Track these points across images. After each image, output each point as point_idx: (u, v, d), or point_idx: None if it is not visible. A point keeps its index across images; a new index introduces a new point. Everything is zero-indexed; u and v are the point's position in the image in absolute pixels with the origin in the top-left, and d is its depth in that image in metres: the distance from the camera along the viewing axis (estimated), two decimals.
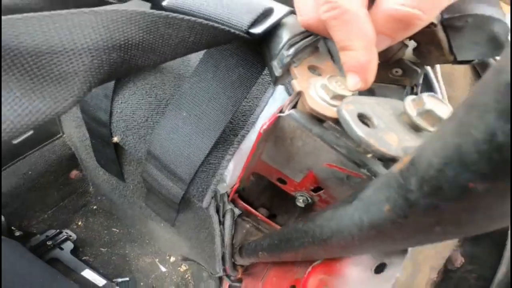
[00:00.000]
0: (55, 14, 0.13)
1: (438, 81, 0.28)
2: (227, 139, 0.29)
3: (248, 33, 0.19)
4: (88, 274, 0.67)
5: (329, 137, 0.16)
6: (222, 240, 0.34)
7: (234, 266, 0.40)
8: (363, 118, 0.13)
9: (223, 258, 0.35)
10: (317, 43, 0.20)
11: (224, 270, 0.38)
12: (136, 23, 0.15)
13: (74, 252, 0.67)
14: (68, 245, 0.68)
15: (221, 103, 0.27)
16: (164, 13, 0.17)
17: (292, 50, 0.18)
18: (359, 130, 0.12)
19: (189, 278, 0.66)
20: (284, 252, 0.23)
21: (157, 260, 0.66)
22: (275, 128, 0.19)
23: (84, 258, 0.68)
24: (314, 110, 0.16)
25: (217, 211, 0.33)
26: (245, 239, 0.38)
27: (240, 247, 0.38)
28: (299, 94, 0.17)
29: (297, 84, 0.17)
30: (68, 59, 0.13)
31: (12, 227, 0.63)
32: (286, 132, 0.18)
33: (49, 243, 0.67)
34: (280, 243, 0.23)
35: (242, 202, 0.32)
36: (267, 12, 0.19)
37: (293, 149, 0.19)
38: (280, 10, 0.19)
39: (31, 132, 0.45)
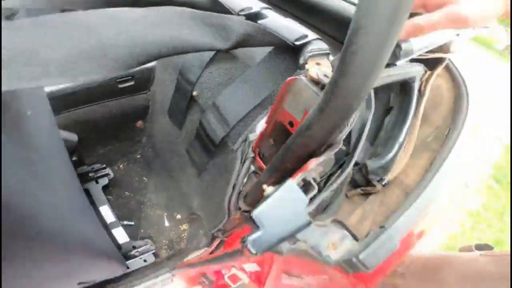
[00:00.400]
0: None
1: (420, 98, 0.44)
2: (265, 104, 0.48)
3: (293, 43, 0.41)
4: (104, 210, 0.81)
5: (315, 88, 0.35)
6: (238, 175, 0.49)
7: (236, 206, 0.54)
8: (325, 76, 0.32)
9: (233, 188, 0.50)
10: (328, 53, 0.41)
11: (229, 206, 0.51)
12: (252, 27, 0.37)
13: (103, 188, 0.82)
14: (103, 181, 0.83)
15: (267, 83, 0.47)
16: (262, 25, 0.39)
17: (309, 54, 0.38)
18: (319, 78, 0.31)
19: (185, 237, 0.77)
20: (277, 163, 0.39)
21: (165, 214, 0.79)
22: (294, 85, 0.38)
23: (109, 196, 0.83)
24: (310, 76, 0.35)
25: (241, 156, 0.49)
26: None
27: (245, 195, 0.53)
28: (307, 70, 0.37)
29: (307, 66, 0.37)
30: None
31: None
32: (298, 87, 0.37)
33: (90, 174, 0.84)
34: (274, 162, 0.40)
35: (259, 160, 0.49)
36: (304, 36, 0.41)
37: (301, 98, 0.38)
38: (311, 35, 0.41)
39: (132, 82, 0.68)
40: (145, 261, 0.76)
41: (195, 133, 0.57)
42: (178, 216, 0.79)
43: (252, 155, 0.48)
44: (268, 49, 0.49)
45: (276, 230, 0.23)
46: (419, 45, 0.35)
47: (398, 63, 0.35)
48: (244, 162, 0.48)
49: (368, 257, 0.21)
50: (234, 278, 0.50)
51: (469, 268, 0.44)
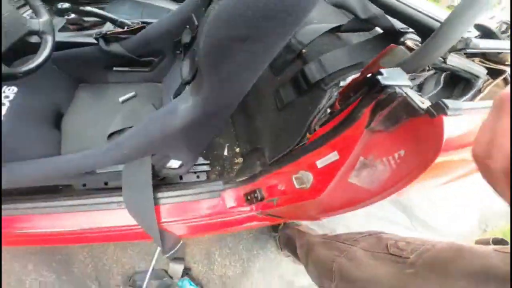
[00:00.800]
0: None
1: (477, 93, 0.58)
2: (357, 66, 0.65)
3: (399, 30, 0.60)
4: None
5: (409, 52, 0.53)
6: (323, 106, 0.65)
7: (313, 130, 0.69)
8: (417, 45, 0.50)
9: (315, 116, 0.66)
10: (419, 40, 0.59)
11: (308, 129, 0.67)
12: (379, 12, 0.58)
13: None
14: None
15: (364, 54, 0.65)
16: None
17: (408, 37, 0.57)
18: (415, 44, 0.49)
19: (236, 169, 0.91)
20: None
21: (227, 145, 0.95)
22: (393, 49, 0.55)
23: None
24: (407, 44, 0.53)
25: (329, 94, 0.66)
26: None
27: (322, 122, 0.68)
28: (404, 43, 0.55)
29: (406, 41, 0.55)
30: None
31: None
32: (396, 51, 0.55)
33: None
34: None
35: (337, 104, 0.66)
36: (406, 27, 0.60)
37: (395, 58, 0.55)
38: (410, 29, 0.60)
39: None
40: (198, 177, 0.91)
41: (290, 78, 0.76)
42: (237, 150, 0.94)
43: (337, 96, 0.65)
44: (362, 38, 0.70)
45: (393, 79, 0.40)
46: (484, 45, 0.52)
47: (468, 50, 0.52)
48: (330, 99, 0.64)
49: (449, 101, 0.35)
50: (297, 180, 0.59)
51: (478, 263, 0.41)
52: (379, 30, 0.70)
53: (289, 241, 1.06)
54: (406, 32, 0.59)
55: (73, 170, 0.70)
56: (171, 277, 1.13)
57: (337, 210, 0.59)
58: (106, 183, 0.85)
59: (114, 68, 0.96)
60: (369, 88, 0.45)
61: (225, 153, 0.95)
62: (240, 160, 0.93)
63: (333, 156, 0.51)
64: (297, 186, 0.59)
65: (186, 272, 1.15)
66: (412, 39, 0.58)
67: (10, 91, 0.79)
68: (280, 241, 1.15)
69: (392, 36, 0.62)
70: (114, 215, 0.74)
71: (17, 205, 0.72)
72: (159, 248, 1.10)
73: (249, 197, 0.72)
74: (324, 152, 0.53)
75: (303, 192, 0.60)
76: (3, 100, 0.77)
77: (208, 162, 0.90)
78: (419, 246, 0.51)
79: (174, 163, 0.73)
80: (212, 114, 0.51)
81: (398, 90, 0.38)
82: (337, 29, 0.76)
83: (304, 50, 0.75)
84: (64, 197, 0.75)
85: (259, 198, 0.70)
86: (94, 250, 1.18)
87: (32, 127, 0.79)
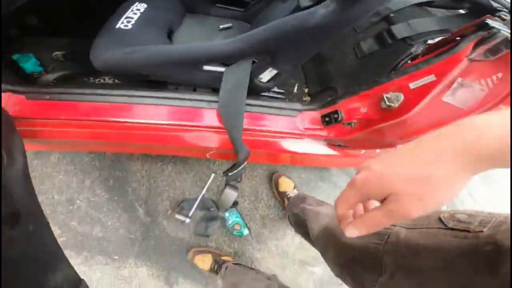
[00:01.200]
0: None
1: None
2: (443, 31, 0.80)
3: (494, 8, 0.73)
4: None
5: (502, 21, 0.69)
6: (408, 55, 0.81)
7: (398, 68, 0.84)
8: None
9: (399, 62, 0.82)
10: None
11: (395, 66, 0.82)
12: None
13: None
14: None
15: (454, 23, 0.81)
16: None
17: (502, 12, 0.73)
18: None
19: (306, 101, 1.08)
20: None
21: (297, 84, 1.12)
22: (487, 17, 0.71)
23: None
24: (501, 16, 0.69)
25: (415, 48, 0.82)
26: None
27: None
28: (499, 16, 0.72)
29: (501, 15, 0.72)
30: None
31: None
32: (491, 18, 0.71)
33: None
34: None
35: (420, 57, 0.82)
36: (501, 6, 0.74)
37: None
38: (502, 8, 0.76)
39: None
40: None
41: (373, 35, 0.93)
42: (306, 90, 1.11)
43: (423, 51, 0.81)
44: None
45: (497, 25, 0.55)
46: None
47: None
48: (416, 51, 0.81)
49: None
50: (387, 99, 0.63)
51: None
52: (462, 11, 0.83)
53: (298, 223, 0.97)
54: (501, 10, 0.73)
55: (189, 57, 0.75)
56: (218, 209, 1.16)
57: (421, 132, 0.60)
58: (194, 90, 1.01)
59: (217, 4, 1.14)
60: (477, 29, 0.57)
61: (295, 90, 1.11)
62: (308, 98, 1.10)
63: (430, 78, 0.58)
64: (387, 103, 0.63)
65: (235, 204, 1.13)
66: (505, 14, 0.74)
67: (141, 6, 0.99)
68: (290, 220, 1.11)
69: (483, 14, 0.74)
70: (201, 114, 0.76)
71: (109, 91, 0.74)
72: (212, 175, 1.24)
73: (327, 118, 0.74)
74: (420, 75, 0.61)
75: (388, 112, 0.64)
76: (135, 11, 0.96)
77: (283, 91, 1.07)
78: (489, 218, 0.40)
79: (266, 75, 0.81)
80: (338, 25, 0.61)
81: (501, 31, 0.54)
82: (427, 4, 0.92)
83: (392, 14, 0.92)
84: (158, 89, 0.78)
85: (338, 118, 0.71)
86: (152, 170, 1.22)
87: (153, 31, 0.97)
